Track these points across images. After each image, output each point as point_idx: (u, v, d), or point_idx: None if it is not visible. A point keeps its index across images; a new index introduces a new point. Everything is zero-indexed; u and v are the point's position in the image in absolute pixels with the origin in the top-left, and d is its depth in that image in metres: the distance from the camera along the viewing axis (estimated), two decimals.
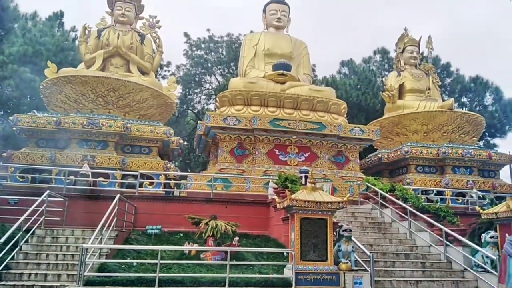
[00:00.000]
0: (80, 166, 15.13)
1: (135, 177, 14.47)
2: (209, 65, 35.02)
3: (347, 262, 8.69)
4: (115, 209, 10.13)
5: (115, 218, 10.14)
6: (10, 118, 16.61)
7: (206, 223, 10.45)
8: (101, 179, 15.36)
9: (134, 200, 13.14)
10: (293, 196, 8.51)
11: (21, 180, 14.97)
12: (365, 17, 62.18)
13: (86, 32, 20.18)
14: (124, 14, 20.38)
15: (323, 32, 60.00)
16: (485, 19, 58.53)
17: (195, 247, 9.84)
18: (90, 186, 14.49)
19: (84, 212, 11.65)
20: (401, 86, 22.86)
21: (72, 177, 14.47)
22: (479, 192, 17.51)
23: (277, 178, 13.64)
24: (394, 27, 47.67)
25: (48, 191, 10.39)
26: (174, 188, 17.62)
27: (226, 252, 8.49)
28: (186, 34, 34.61)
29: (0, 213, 10.73)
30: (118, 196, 10.70)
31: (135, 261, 9.09)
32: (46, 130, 16.39)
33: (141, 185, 14.76)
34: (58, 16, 29.24)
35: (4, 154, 15.88)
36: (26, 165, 15.30)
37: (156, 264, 7.68)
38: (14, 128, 16.64)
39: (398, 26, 54.05)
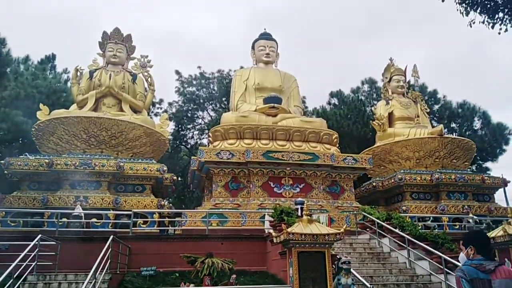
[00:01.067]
0: (73, 208, 14.91)
1: (128, 216, 14.27)
2: (201, 100, 35.45)
3: None
4: (109, 251, 9.92)
5: (109, 260, 9.90)
6: (1, 161, 16.47)
7: (202, 261, 10.24)
8: (94, 220, 15.13)
9: (128, 240, 12.88)
10: (289, 229, 8.43)
11: (12, 224, 14.67)
12: (350, 48, 63.96)
13: (78, 73, 20.42)
14: (116, 55, 20.73)
15: (311, 65, 61.42)
16: (466, 44, 60.46)
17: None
18: (83, 227, 14.23)
19: (78, 255, 11.36)
20: (390, 115, 23.21)
21: (64, 220, 14.24)
22: (475, 217, 17.47)
23: (272, 211, 13.54)
24: (379, 57, 49.14)
25: (40, 235, 10.17)
26: (168, 226, 17.36)
27: None
28: (177, 72, 35.24)
29: None
30: (111, 237, 10.51)
31: None
32: (38, 172, 16.24)
33: (134, 224, 14.53)
34: (50, 59, 29.69)
35: None
36: (18, 209, 15.05)
37: None
38: (5, 172, 16.46)
39: (382, 56, 55.59)
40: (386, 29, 64.82)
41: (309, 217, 8.94)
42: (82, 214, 14.61)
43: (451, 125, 32.47)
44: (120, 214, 15.41)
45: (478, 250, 3.77)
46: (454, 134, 30.13)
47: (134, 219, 14.27)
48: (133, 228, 13.95)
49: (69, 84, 24.85)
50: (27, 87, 22.40)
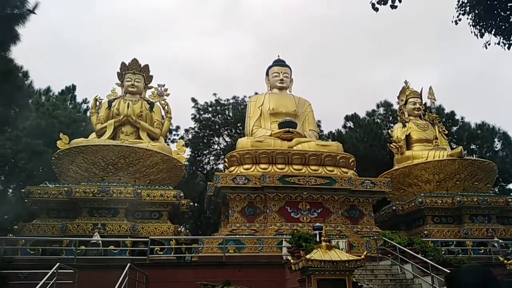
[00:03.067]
0: (91, 235, 14.99)
1: (145, 243, 14.25)
2: (217, 126, 35.77)
3: None
4: (126, 279, 9.87)
5: None
6: (22, 190, 16.80)
7: None
8: (112, 247, 15.15)
9: (145, 268, 12.82)
10: (308, 256, 8.27)
11: (31, 252, 14.80)
12: (364, 71, 64.15)
13: (97, 103, 20.97)
14: (134, 84, 21.27)
15: (326, 89, 61.69)
16: (482, 64, 59.96)
17: None
18: (101, 255, 14.25)
19: (95, 283, 11.34)
20: (408, 137, 22.95)
21: (83, 247, 14.30)
22: (501, 241, 16.84)
23: (290, 237, 13.32)
24: (393, 80, 49.07)
25: (58, 264, 10.19)
26: (185, 253, 17.23)
27: None
28: (193, 99, 35.80)
29: None
30: (128, 265, 10.47)
31: None
32: (57, 200, 16.49)
33: (152, 251, 14.48)
34: (70, 90, 30.63)
35: (16, 227, 15.87)
36: (37, 237, 15.21)
37: None
38: (26, 200, 16.76)
39: (397, 79, 55.55)
40: (399, 52, 65.02)
41: (328, 243, 8.77)
42: (100, 242, 14.66)
43: (471, 147, 31.84)
44: (138, 241, 15.40)
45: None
46: (474, 155, 29.50)
47: (151, 246, 14.23)
48: (150, 255, 13.90)
49: (88, 113, 25.52)
50: (47, 117, 23.08)
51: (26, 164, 19.71)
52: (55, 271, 9.77)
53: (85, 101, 31.04)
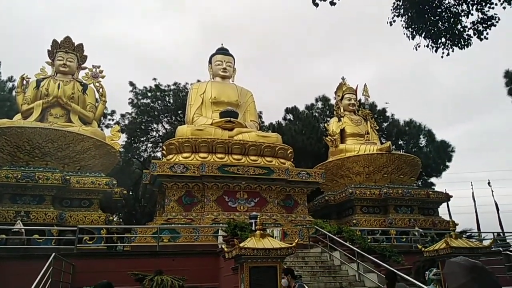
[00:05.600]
0: (13, 224, 13.93)
1: (73, 232, 13.55)
2: (156, 113, 34.69)
3: None
4: (50, 270, 9.33)
5: (50, 280, 9.30)
6: None
7: (151, 279, 9.87)
8: (36, 236, 14.22)
9: (72, 258, 12.20)
10: (242, 244, 8.34)
11: None
12: (305, 65, 65.78)
13: (24, 82, 19.44)
14: (66, 64, 19.97)
15: (268, 80, 62.40)
16: (412, 64, 64.09)
17: None
18: (24, 244, 13.32)
19: (16, 274, 10.60)
20: (342, 131, 23.97)
21: (3, 236, 13.27)
22: (421, 230, 18.24)
23: (226, 225, 13.39)
24: (331, 75, 50.89)
25: None
26: (117, 243, 16.65)
27: None
28: (131, 83, 34.34)
29: None
30: (53, 254, 9.90)
31: None
32: None
33: (80, 240, 13.80)
34: None
35: None
36: None
37: None
38: None
39: (334, 73, 57.59)
40: (339, 48, 67.48)
41: (262, 232, 8.91)
42: (23, 230, 13.68)
43: (399, 142, 34.00)
44: (65, 230, 14.60)
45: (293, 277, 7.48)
46: (401, 150, 31.53)
47: (79, 235, 13.57)
48: (78, 245, 13.25)
49: (14, 93, 23.53)
50: None
51: None
52: None
53: (10, 79, 28.60)
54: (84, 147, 17.46)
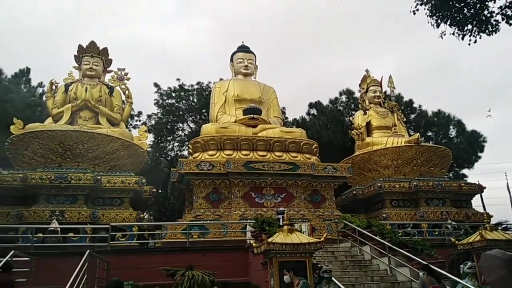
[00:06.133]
0: (48, 223, 14.47)
1: (106, 230, 13.94)
2: (181, 112, 35.16)
3: None
4: (85, 266, 9.63)
5: (85, 276, 9.61)
6: None
7: (182, 274, 10.02)
8: (71, 234, 14.71)
9: (106, 255, 12.56)
10: (269, 239, 8.37)
11: None
12: (326, 59, 65.05)
13: (53, 87, 20.08)
14: (92, 68, 20.49)
15: (290, 76, 62.12)
16: (440, 54, 62.31)
17: None
18: (60, 242, 13.81)
19: (53, 271, 10.98)
20: (368, 124, 23.60)
21: (40, 235, 13.80)
22: (454, 223, 17.78)
23: (254, 221, 13.45)
24: (355, 68, 50.15)
25: (13, 251, 9.79)
26: (148, 239, 17.02)
27: None
28: (156, 84, 34.92)
29: None
30: (87, 251, 10.22)
31: None
32: (12, 187, 15.73)
33: (113, 238, 14.19)
34: (24, 73, 29.02)
35: None
36: None
37: None
38: None
39: (358, 67, 56.71)
40: (359, 40, 66.31)
41: (289, 227, 8.91)
42: (58, 229, 14.19)
43: (427, 134, 33.16)
44: (98, 228, 15.04)
45: (296, 274, 7.38)
46: (430, 142, 30.77)
47: (112, 233, 13.95)
48: (111, 242, 13.63)
49: (44, 98, 24.35)
50: (0, 101, 21.86)
51: None
52: (9, 259, 9.38)
53: (40, 84, 29.56)
54: (113, 147, 17.89)
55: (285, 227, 8.93)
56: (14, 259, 9.80)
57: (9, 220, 15.02)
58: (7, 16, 49.82)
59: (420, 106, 34.10)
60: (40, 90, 29.21)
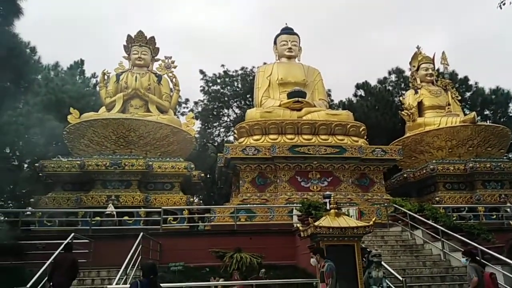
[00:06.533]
0: (105, 207, 15.32)
1: (159, 213, 14.52)
2: (226, 98, 35.58)
3: None
4: (139, 247, 10.12)
5: (140, 257, 10.10)
6: (36, 164, 17.11)
7: (231, 256, 10.28)
8: (126, 218, 15.49)
9: (159, 237, 13.12)
10: (316, 223, 8.29)
11: (48, 224, 15.22)
12: (374, 37, 62.52)
13: (105, 77, 20.96)
14: (141, 57, 21.12)
15: (335, 57, 60.53)
16: (496, 27, 57.86)
17: (220, 282, 9.64)
18: (116, 225, 14.60)
19: (110, 252, 11.63)
20: (420, 104, 22.57)
21: (98, 218, 14.66)
22: None
23: (300, 205, 13.43)
24: (405, 45, 47.77)
25: (73, 234, 10.49)
26: (198, 222, 17.55)
27: (252, 285, 8.28)
28: (201, 71, 35.49)
29: (29, 258, 10.88)
30: (141, 234, 10.71)
31: None
32: (71, 173, 16.78)
33: (165, 221, 14.79)
34: (78, 65, 30.54)
35: (32, 200, 16.29)
36: (53, 209, 15.61)
37: None
38: (40, 174, 17.09)
39: (407, 44, 54.00)
40: (410, 14, 62.91)
41: (336, 210, 8.78)
42: (114, 213, 14.99)
43: (485, 112, 31.21)
44: (151, 211, 15.71)
45: (322, 256, 7.57)
46: (488, 121, 28.94)
47: (164, 216, 14.52)
48: (163, 225, 14.20)
49: (97, 88, 25.54)
50: (57, 92, 23.15)
51: (39, 139, 19.97)
52: (70, 241, 10.05)
53: (94, 75, 30.99)
54: (163, 134, 18.48)
55: (332, 210, 8.81)
56: (74, 241, 10.51)
57: (69, 204, 16.08)
58: (58, 8, 52.36)
59: (476, 83, 32.11)
60: (93, 80, 30.67)
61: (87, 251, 11.07)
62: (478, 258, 8.46)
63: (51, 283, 8.50)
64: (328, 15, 63.71)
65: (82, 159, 16.80)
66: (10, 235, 11.45)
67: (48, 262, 9.13)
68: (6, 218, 15.72)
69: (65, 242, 9.53)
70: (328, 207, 12.26)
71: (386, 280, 8.62)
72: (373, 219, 8.83)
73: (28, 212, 16.92)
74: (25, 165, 23.44)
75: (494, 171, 18.39)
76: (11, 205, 24.76)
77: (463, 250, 10.77)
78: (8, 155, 23.05)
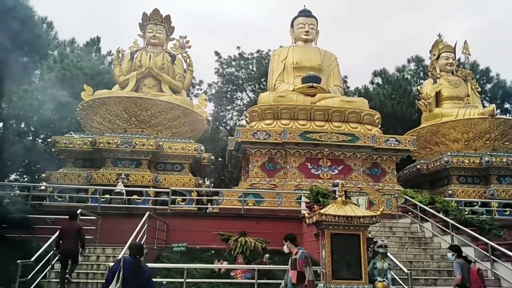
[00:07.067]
0: (115, 185, 15.43)
1: (168, 194, 14.57)
2: (240, 81, 35.28)
3: (384, 281, 8.18)
4: (145, 227, 10.16)
5: (145, 236, 10.14)
6: (49, 140, 17.28)
7: (235, 240, 10.26)
8: (135, 197, 15.60)
9: (166, 217, 13.17)
10: (322, 210, 8.15)
11: (59, 199, 15.44)
12: (393, 23, 60.94)
13: (120, 55, 20.88)
14: (155, 36, 20.96)
15: (354, 42, 59.34)
16: None
17: (225, 265, 9.64)
18: (125, 204, 14.72)
19: (117, 230, 11.71)
20: (438, 94, 21.97)
21: (107, 196, 14.78)
22: None
23: (309, 192, 13.28)
24: (425, 32, 46.47)
25: (80, 210, 10.57)
26: (206, 205, 17.60)
27: (254, 269, 8.24)
28: (216, 53, 35.17)
29: (38, 232, 11.05)
30: (147, 213, 10.74)
31: (164, 280, 9.01)
32: (82, 150, 16.91)
33: (174, 202, 14.81)
34: (95, 42, 30.60)
35: (44, 175, 16.50)
36: (64, 185, 15.80)
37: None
38: (52, 150, 17.28)
39: (428, 31, 52.56)
40: (433, 2, 61.03)
41: (343, 199, 8.61)
42: (124, 191, 15.08)
43: (505, 106, 30.37)
44: (160, 191, 15.78)
45: (294, 243, 7.32)
46: (508, 114, 28.16)
47: (173, 197, 14.56)
48: (171, 206, 14.25)
49: (112, 66, 25.58)
50: (72, 68, 23.26)
51: (53, 115, 20.20)
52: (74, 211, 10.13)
53: (109, 53, 31.05)
54: (174, 114, 18.43)
55: (338, 198, 8.65)
56: (81, 217, 10.60)
57: (80, 181, 16.24)
58: None
59: (498, 75, 31.16)
60: (109, 58, 30.73)
61: (94, 227, 11.17)
62: (465, 255, 8.32)
63: (58, 251, 8.76)
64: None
65: (94, 136, 16.90)
66: (20, 208, 11.61)
67: (53, 237, 9.23)
68: (17, 192, 16.01)
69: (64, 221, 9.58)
70: (337, 195, 12.13)
71: (391, 272, 8.48)
72: (381, 209, 8.64)
73: (42, 187, 17.22)
74: (39, 140, 23.80)
75: (510, 166, 17.90)
76: (26, 179, 25.29)
77: (474, 245, 10.58)
78: (23, 130, 23.46)
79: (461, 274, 7.52)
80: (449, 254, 8.26)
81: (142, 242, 9.34)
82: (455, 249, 8.17)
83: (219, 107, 35.44)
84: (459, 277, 7.50)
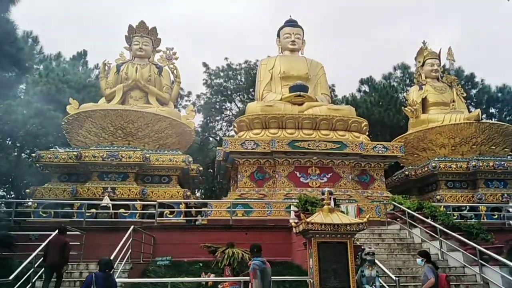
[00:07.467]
0: (101, 199, 15.19)
1: (155, 207, 14.36)
2: (229, 92, 35.33)
3: None
4: (129, 241, 9.96)
5: (130, 250, 9.94)
6: (33, 155, 17.01)
7: (223, 251, 10.10)
8: (122, 210, 15.36)
9: (153, 230, 12.96)
10: (308, 219, 8.08)
11: (44, 215, 15.14)
12: (379, 32, 61.78)
13: (106, 68, 20.76)
14: (142, 48, 20.89)
15: (340, 51, 59.95)
16: (503, 22, 56.91)
17: (211, 278, 9.47)
18: (111, 218, 14.47)
19: (103, 245, 11.48)
20: (424, 100, 22.17)
21: (93, 210, 14.52)
22: None
23: (297, 201, 13.20)
24: (410, 40, 47.19)
25: (62, 225, 10.33)
26: (196, 216, 17.40)
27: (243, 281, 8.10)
28: (204, 64, 35.23)
29: (21, 249, 10.78)
30: (132, 227, 10.56)
31: None
32: (68, 164, 16.65)
33: (161, 214, 14.60)
34: (81, 55, 30.46)
35: (28, 190, 16.20)
36: (48, 200, 15.51)
37: None
38: (37, 165, 16.99)
39: (413, 39, 53.35)
40: (417, 10, 62.03)
41: (329, 207, 8.55)
42: (110, 205, 14.84)
43: (490, 110, 30.76)
44: (147, 204, 15.56)
45: (252, 254, 7.50)
46: (493, 119, 28.51)
47: (160, 210, 14.35)
48: (158, 218, 14.05)
49: (99, 78, 25.43)
50: (58, 82, 23.07)
51: (38, 129, 19.93)
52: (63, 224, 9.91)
53: (96, 66, 30.92)
54: (161, 126, 18.29)
55: (325, 206, 8.59)
56: (68, 233, 10.32)
57: (65, 196, 15.95)
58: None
59: (482, 80, 31.65)
60: (96, 71, 30.59)
61: (78, 243, 10.92)
62: (433, 260, 8.33)
63: (44, 263, 8.81)
64: (335, 9, 63.05)
65: (79, 149, 16.67)
66: (2, 225, 11.33)
67: (34, 253, 9.01)
68: (3, 209, 15.69)
69: (54, 233, 9.39)
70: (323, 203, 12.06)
71: (380, 279, 8.39)
72: (367, 217, 8.59)
73: (29, 203, 16.89)
74: (25, 156, 23.45)
75: (497, 170, 18.03)
76: (13, 195, 24.83)
77: (463, 249, 10.56)
78: (8, 145, 23.09)
79: (434, 278, 7.50)
80: (418, 260, 8.24)
81: (126, 256, 9.17)
82: (424, 254, 8.19)
83: (208, 118, 35.39)
84: (433, 280, 7.49)
